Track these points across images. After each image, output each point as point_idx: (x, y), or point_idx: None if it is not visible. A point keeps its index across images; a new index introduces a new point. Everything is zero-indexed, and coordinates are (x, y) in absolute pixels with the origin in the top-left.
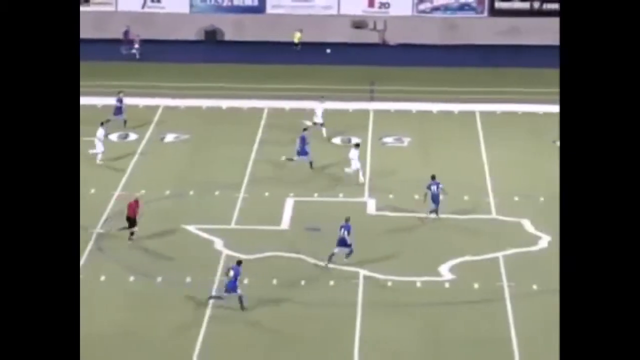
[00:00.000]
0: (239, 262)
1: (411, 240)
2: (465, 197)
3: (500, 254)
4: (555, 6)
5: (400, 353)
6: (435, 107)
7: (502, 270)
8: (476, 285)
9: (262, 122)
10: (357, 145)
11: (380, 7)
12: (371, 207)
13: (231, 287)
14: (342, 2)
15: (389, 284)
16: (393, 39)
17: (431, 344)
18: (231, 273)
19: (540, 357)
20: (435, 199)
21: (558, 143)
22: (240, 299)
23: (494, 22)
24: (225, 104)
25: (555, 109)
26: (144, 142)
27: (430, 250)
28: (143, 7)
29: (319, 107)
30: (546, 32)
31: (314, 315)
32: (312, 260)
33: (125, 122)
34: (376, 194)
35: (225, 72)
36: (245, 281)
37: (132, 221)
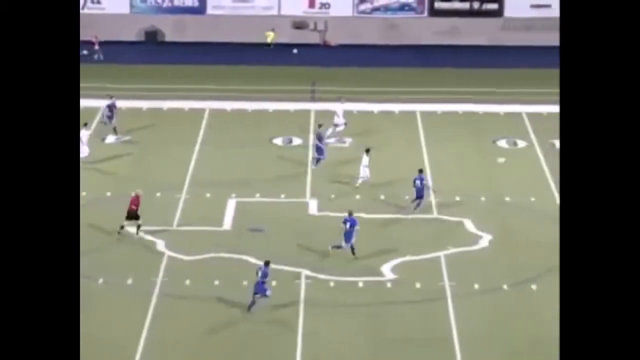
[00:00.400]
0: (267, 263)
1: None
2: (407, 197)
3: (441, 254)
4: (495, 6)
5: (342, 353)
6: (376, 107)
7: (444, 269)
8: (418, 285)
9: (204, 123)
10: (367, 151)
11: (320, 8)
12: (313, 207)
13: (259, 289)
14: (283, 3)
15: (331, 284)
16: (334, 39)
17: (373, 344)
18: (259, 274)
19: (482, 356)
20: (418, 192)
21: (498, 142)
22: (255, 297)
23: (434, 22)
24: (166, 104)
25: (494, 108)
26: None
27: (372, 250)
28: (83, 7)
29: (339, 108)
30: (486, 32)
31: (256, 316)
32: (254, 261)
33: (114, 128)
34: (318, 194)
35: (166, 73)
36: (187, 282)
37: (135, 215)
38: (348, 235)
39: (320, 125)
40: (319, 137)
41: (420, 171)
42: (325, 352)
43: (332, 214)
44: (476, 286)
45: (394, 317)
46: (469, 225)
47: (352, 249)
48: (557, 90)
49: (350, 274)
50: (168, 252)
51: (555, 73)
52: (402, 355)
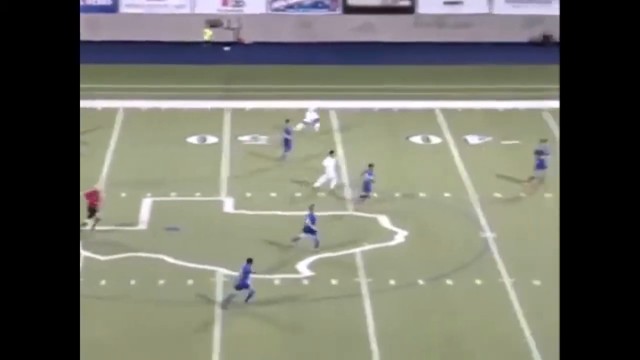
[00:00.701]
0: (249, 260)
1: (269, 238)
2: (322, 194)
3: (357, 250)
4: (407, 3)
5: (259, 351)
6: (291, 105)
7: (360, 266)
8: (334, 282)
9: (118, 122)
10: (331, 153)
11: (234, 6)
12: (229, 205)
13: (242, 284)
14: (197, 1)
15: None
16: (248, 37)
17: (290, 341)
18: (241, 272)
19: (398, 351)
20: (366, 186)
21: (412, 139)
22: (235, 292)
23: (348, 19)
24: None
25: (408, 104)
26: None
27: (288, 247)
28: None
29: (312, 105)
30: (400, 28)
31: (172, 315)
32: (171, 260)
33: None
34: (234, 192)
35: (80, 73)
36: (103, 282)
37: (92, 211)
38: (307, 228)
39: (287, 120)
40: (287, 132)
41: (370, 166)
42: (242, 349)
43: (247, 212)
44: (392, 282)
45: (310, 314)
46: (384, 221)
47: (294, 239)
48: (470, 85)
49: (266, 271)
50: (83, 253)
51: (466, 69)
52: (319, 352)
